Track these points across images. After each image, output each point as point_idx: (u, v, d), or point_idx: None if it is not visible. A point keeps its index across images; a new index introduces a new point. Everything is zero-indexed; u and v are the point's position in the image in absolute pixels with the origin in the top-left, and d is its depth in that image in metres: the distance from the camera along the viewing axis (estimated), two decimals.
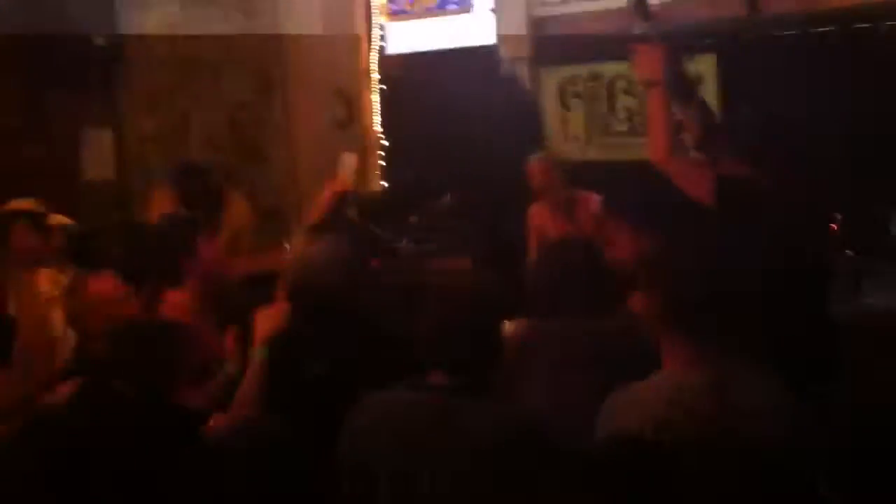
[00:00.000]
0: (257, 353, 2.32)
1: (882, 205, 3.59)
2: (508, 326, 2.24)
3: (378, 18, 5.38)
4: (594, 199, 3.90)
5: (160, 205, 4.20)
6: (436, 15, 5.26)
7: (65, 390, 2.28)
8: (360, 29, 5.41)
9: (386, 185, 5.42)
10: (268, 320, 2.36)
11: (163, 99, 5.50)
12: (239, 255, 4.16)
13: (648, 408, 1.83)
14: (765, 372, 1.92)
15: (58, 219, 3.35)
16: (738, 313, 1.91)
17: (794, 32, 4.00)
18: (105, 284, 2.80)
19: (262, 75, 5.35)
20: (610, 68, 4.52)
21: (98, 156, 5.47)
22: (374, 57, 5.38)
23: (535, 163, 3.95)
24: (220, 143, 5.32)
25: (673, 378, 1.89)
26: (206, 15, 5.34)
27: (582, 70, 4.62)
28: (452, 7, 5.19)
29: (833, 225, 3.18)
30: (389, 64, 5.38)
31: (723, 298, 1.88)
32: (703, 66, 4.17)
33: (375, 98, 5.39)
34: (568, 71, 4.68)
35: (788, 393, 1.88)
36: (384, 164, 5.42)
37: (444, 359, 1.97)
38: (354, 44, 5.40)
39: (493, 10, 4.98)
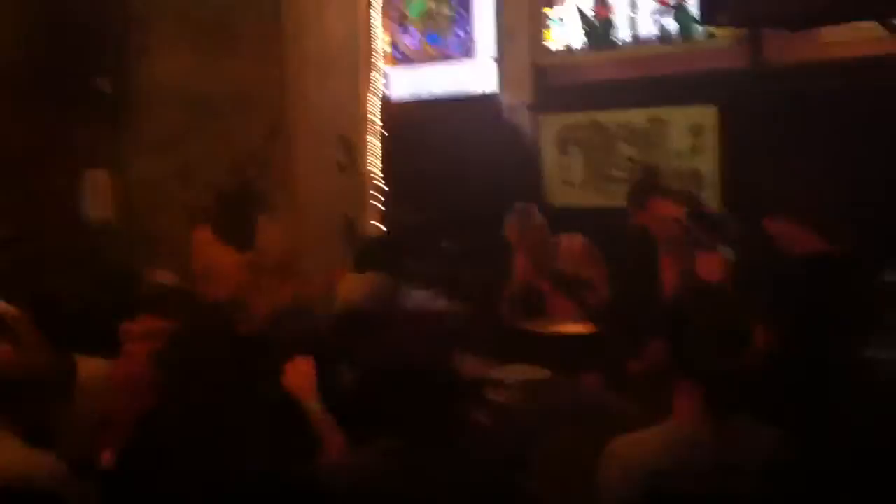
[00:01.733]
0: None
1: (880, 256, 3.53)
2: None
3: (381, 65, 5.41)
4: (578, 241, 3.89)
5: (202, 243, 4.24)
6: (438, 62, 5.30)
7: None
8: (364, 75, 5.45)
9: (384, 229, 5.40)
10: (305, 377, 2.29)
11: (167, 144, 5.51)
12: (286, 279, 4.13)
13: (647, 457, 1.85)
14: (768, 430, 1.93)
15: None
16: (743, 370, 1.91)
17: (796, 86, 3.98)
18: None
19: (268, 123, 5.36)
20: (610, 117, 4.53)
21: (98, 197, 5.47)
22: (375, 102, 5.40)
23: (509, 222, 3.93)
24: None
25: (674, 430, 1.90)
26: (216, 62, 5.38)
27: (582, 118, 4.62)
28: (455, 54, 5.23)
29: None
30: (391, 110, 5.40)
31: (729, 353, 1.88)
32: (705, 119, 4.16)
33: (376, 143, 5.41)
34: (568, 118, 4.68)
35: (789, 452, 1.89)
36: (383, 208, 5.41)
37: (394, 422, 1.95)
38: (357, 90, 5.43)
39: (495, 58, 5.01)
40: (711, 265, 2.72)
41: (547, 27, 4.81)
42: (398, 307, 3.04)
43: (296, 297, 4.09)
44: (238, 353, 2.81)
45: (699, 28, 4.24)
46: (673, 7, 4.38)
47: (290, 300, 4.01)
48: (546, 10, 4.81)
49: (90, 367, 2.42)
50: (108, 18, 5.15)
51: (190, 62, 5.41)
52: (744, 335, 1.90)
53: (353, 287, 2.36)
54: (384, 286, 2.39)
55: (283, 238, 4.30)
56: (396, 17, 5.38)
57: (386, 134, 5.38)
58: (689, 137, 4.24)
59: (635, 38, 4.55)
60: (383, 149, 5.40)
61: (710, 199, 4.07)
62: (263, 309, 4.02)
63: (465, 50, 5.19)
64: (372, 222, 5.43)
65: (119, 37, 5.24)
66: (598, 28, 4.66)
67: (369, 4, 5.35)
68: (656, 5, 4.43)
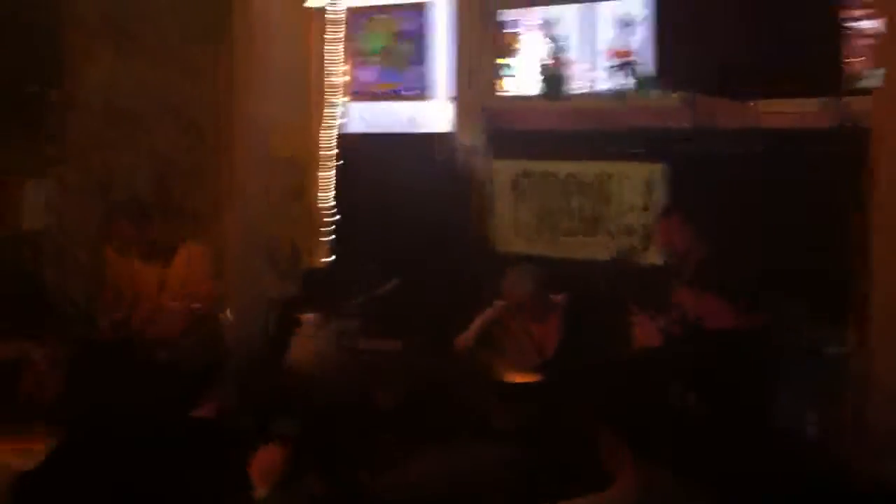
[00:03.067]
0: None
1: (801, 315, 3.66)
2: None
3: (338, 97, 5.42)
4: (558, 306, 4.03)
5: (113, 256, 4.24)
6: (396, 99, 5.34)
7: None
8: (316, 105, 5.44)
9: (332, 259, 5.39)
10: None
11: (93, 153, 5.39)
12: (191, 302, 4.06)
13: None
14: (706, 494, 1.96)
15: None
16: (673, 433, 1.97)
17: (734, 148, 4.12)
18: None
19: (202, 139, 5.30)
20: (563, 167, 4.61)
21: (32, 206, 5.37)
22: (330, 133, 5.40)
23: (513, 278, 4.00)
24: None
25: (615, 498, 1.93)
26: (147, 74, 5.29)
27: (536, 166, 4.70)
28: (413, 93, 5.27)
29: None
30: (346, 142, 5.41)
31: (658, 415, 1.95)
32: (654, 176, 4.29)
33: (328, 173, 5.41)
34: (522, 165, 4.75)
35: None
36: (332, 239, 5.40)
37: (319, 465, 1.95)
38: (309, 119, 5.41)
39: (453, 99, 5.08)
40: (651, 331, 2.80)
41: (503, 76, 4.90)
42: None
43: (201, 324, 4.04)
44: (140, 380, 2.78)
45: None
46: (629, 64, 4.51)
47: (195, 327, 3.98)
48: (501, 60, 4.91)
49: None
50: (43, 26, 5.10)
51: (120, 73, 5.32)
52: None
53: None
54: None
55: (204, 261, 4.24)
56: (354, 51, 5.41)
57: (338, 165, 5.39)
58: (640, 194, 4.36)
59: (588, 90, 4.68)
60: (335, 180, 5.40)
61: (655, 257, 4.21)
62: (163, 332, 3.99)
63: (422, 88, 5.25)
64: (319, 253, 5.43)
65: (53, 44, 5.13)
66: (553, 77, 4.78)
67: (322, 36, 5.35)
68: (613, 60, 4.56)
